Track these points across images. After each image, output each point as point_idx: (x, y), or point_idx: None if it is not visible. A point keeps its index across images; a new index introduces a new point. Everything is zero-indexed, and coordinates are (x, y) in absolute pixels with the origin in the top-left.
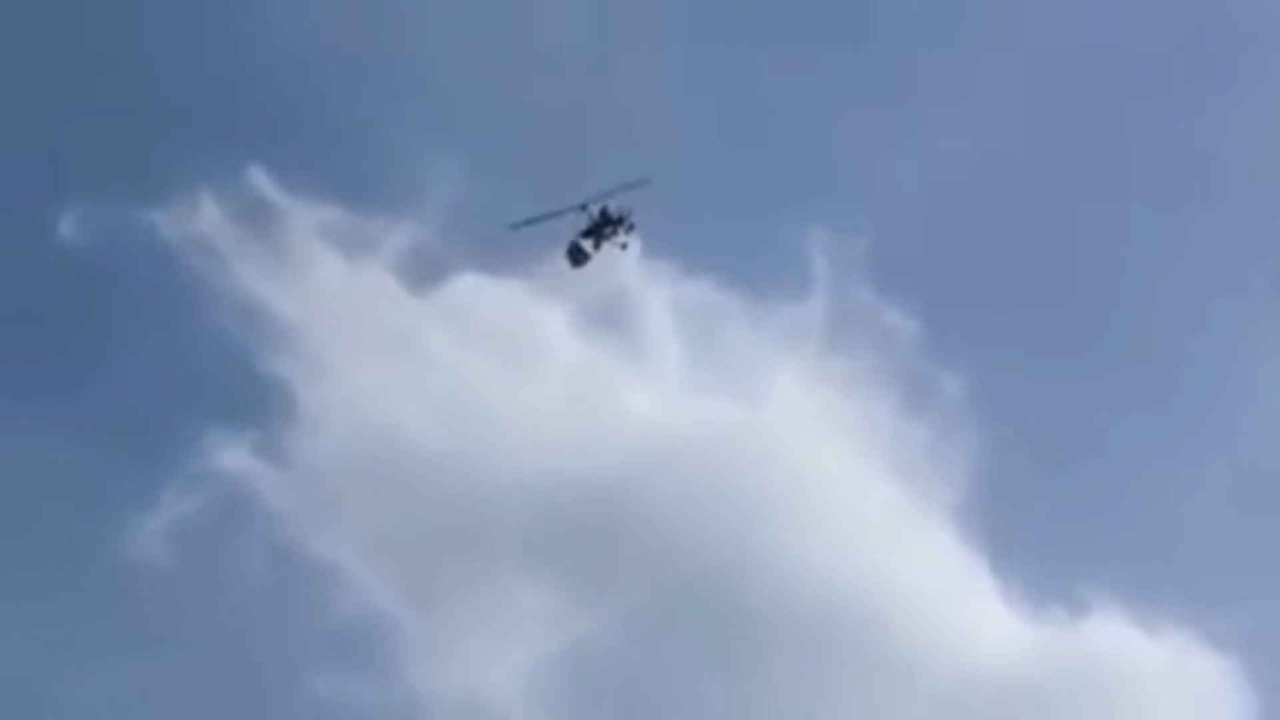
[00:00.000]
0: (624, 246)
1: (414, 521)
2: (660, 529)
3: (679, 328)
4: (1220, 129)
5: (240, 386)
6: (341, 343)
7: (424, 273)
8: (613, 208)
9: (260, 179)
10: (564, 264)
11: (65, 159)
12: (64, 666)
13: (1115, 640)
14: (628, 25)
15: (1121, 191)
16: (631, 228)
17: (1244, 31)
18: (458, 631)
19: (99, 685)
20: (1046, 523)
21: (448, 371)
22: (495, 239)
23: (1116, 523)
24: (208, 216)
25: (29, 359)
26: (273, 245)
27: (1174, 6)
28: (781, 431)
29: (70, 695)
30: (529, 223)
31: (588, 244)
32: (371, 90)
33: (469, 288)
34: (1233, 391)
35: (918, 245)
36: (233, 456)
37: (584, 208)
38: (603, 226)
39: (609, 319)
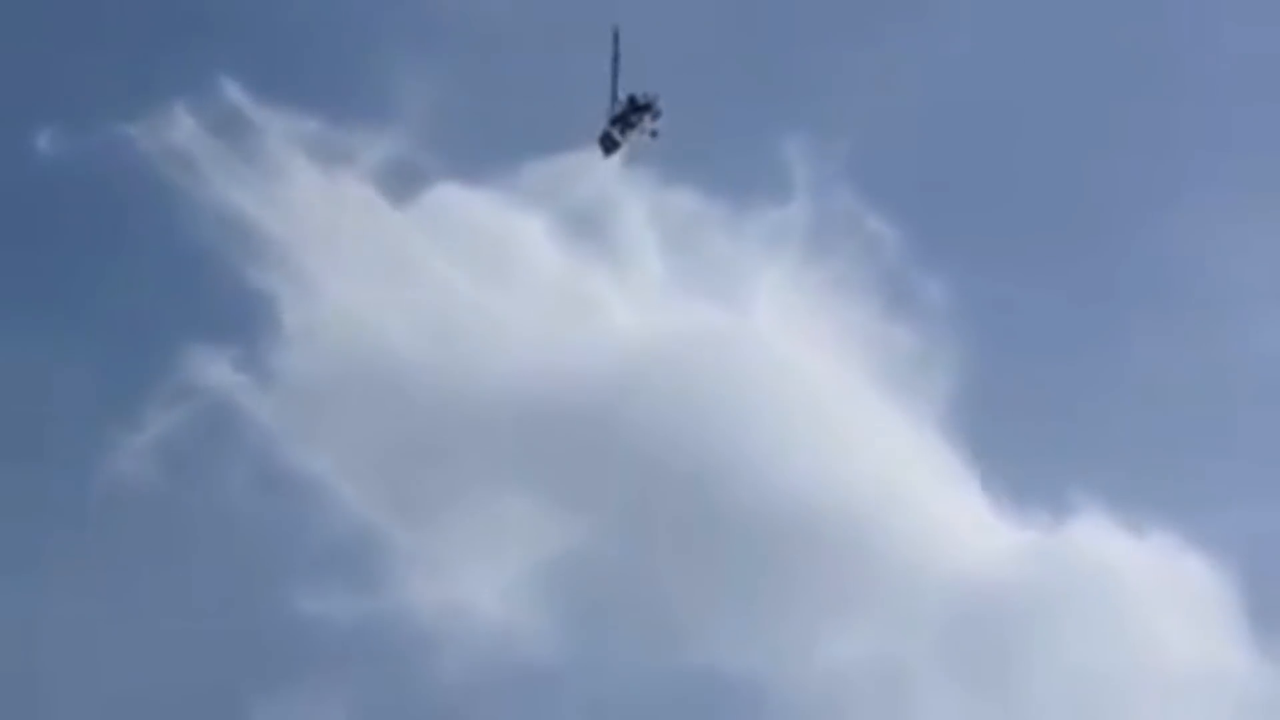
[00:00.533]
0: (654, 134)
1: (398, 435)
2: (645, 437)
3: (660, 236)
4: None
5: (221, 299)
6: (323, 255)
7: (404, 183)
8: (639, 94)
9: (234, 91)
10: (542, 171)
11: (37, 76)
12: (45, 585)
13: (1101, 542)
14: None
15: (1112, 92)
16: (658, 114)
17: None
18: (445, 543)
19: (81, 605)
20: (1033, 425)
21: (430, 283)
22: (474, 148)
23: (1104, 424)
24: (183, 129)
25: (7, 274)
26: (250, 157)
27: None
28: (765, 338)
29: (52, 615)
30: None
31: (616, 131)
32: None
33: (449, 198)
34: (1221, 290)
35: (901, 149)
36: (216, 371)
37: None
38: (630, 113)
39: (590, 228)
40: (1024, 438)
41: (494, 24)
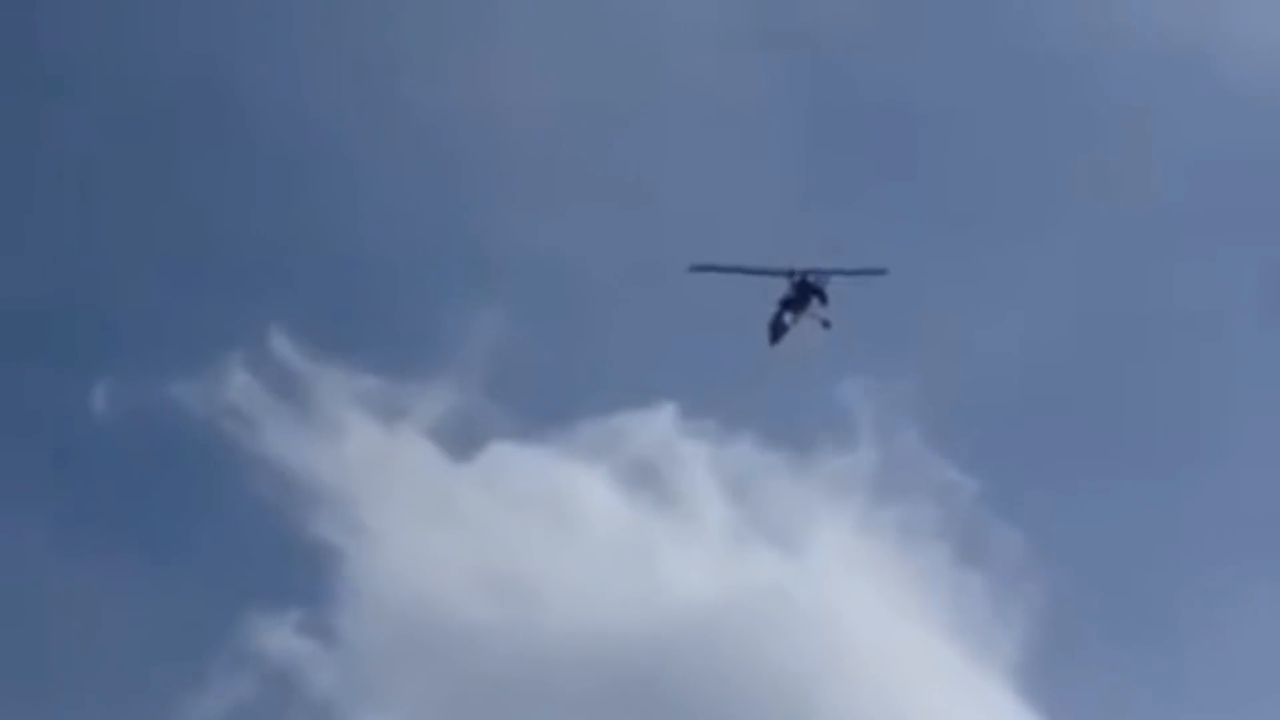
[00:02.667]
0: (826, 324)
1: (459, 698)
2: (709, 697)
3: (721, 486)
4: None
5: (282, 559)
6: (382, 512)
7: (462, 437)
8: (811, 275)
9: (288, 346)
10: (602, 425)
11: (91, 332)
12: None
13: None
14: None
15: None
16: (825, 300)
17: None
18: None
19: None
20: (1110, 683)
21: (490, 539)
22: (535, 401)
23: (1185, 687)
24: (237, 385)
25: (65, 537)
26: (306, 413)
27: None
28: (828, 590)
29: None
30: (712, 268)
31: (788, 316)
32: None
33: (509, 451)
34: None
35: (968, 391)
36: (278, 635)
37: (790, 274)
38: (805, 297)
39: (649, 480)
40: (1102, 695)
41: (556, 270)
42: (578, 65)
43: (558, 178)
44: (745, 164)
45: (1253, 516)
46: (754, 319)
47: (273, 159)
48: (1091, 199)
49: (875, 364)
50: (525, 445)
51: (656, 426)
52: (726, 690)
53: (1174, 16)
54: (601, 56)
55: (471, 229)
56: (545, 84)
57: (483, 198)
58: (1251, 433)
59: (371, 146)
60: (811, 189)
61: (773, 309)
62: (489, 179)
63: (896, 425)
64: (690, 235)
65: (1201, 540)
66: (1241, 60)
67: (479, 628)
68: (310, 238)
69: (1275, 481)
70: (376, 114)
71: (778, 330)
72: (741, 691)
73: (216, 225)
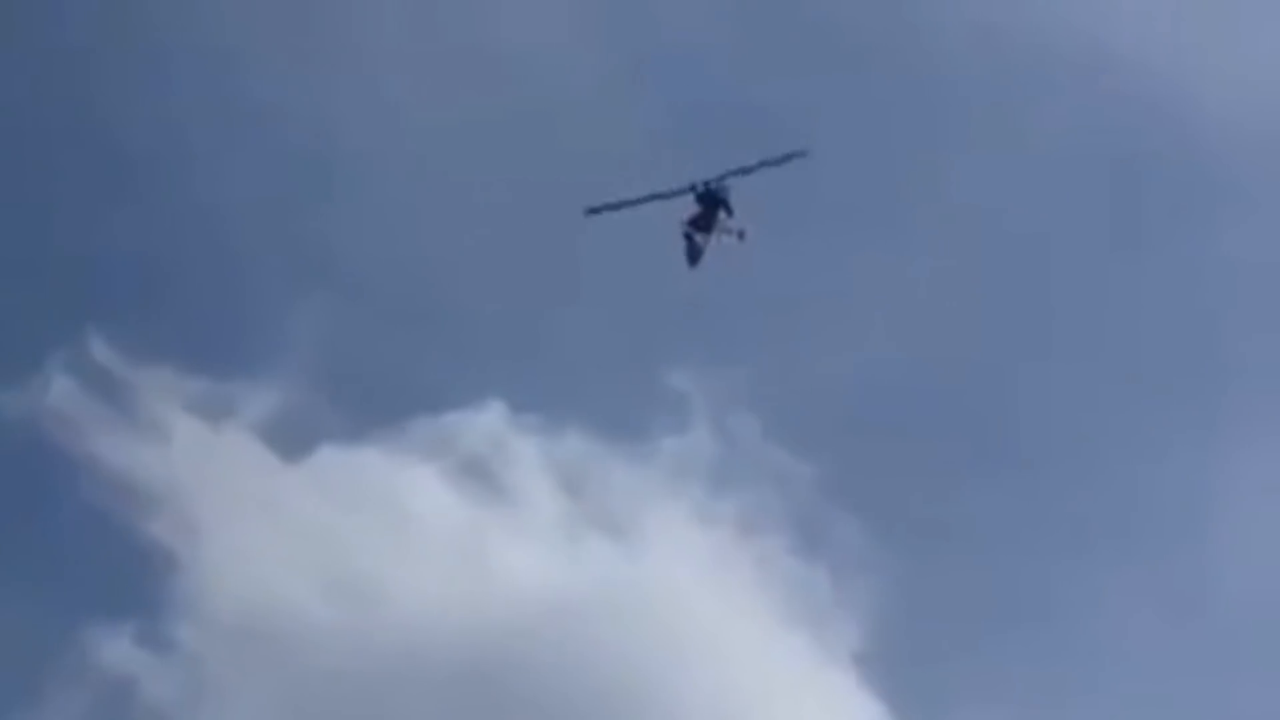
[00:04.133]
0: (741, 235)
1: (298, 697)
2: (548, 691)
3: (554, 479)
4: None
5: (115, 566)
6: (214, 514)
7: (291, 437)
8: (715, 184)
9: (107, 349)
10: (432, 423)
11: None
12: None
13: None
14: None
15: (1032, 328)
16: (731, 211)
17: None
18: None
19: None
20: (952, 672)
21: (325, 539)
22: (363, 399)
23: (1023, 672)
24: (59, 391)
25: None
26: (131, 416)
27: None
28: (666, 580)
29: None
30: (608, 208)
31: (699, 237)
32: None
33: (339, 451)
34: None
35: (804, 378)
36: (115, 644)
37: (692, 188)
38: (711, 211)
39: (482, 476)
40: (941, 684)
41: (381, 268)
42: (416, 65)
43: (386, 175)
44: (588, 166)
45: (1096, 507)
46: (581, 316)
47: (88, 157)
48: (932, 201)
49: (708, 351)
50: (356, 445)
51: (486, 423)
52: (565, 683)
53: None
54: (442, 56)
55: (296, 226)
56: (380, 82)
57: (307, 193)
58: (1095, 424)
59: (196, 139)
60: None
61: (680, 234)
62: (311, 173)
63: (732, 413)
64: (516, 234)
65: (1042, 527)
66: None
67: (317, 629)
68: (129, 237)
69: (1119, 472)
70: (201, 107)
71: (693, 253)
72: (580, 684)
73: (30, 227)
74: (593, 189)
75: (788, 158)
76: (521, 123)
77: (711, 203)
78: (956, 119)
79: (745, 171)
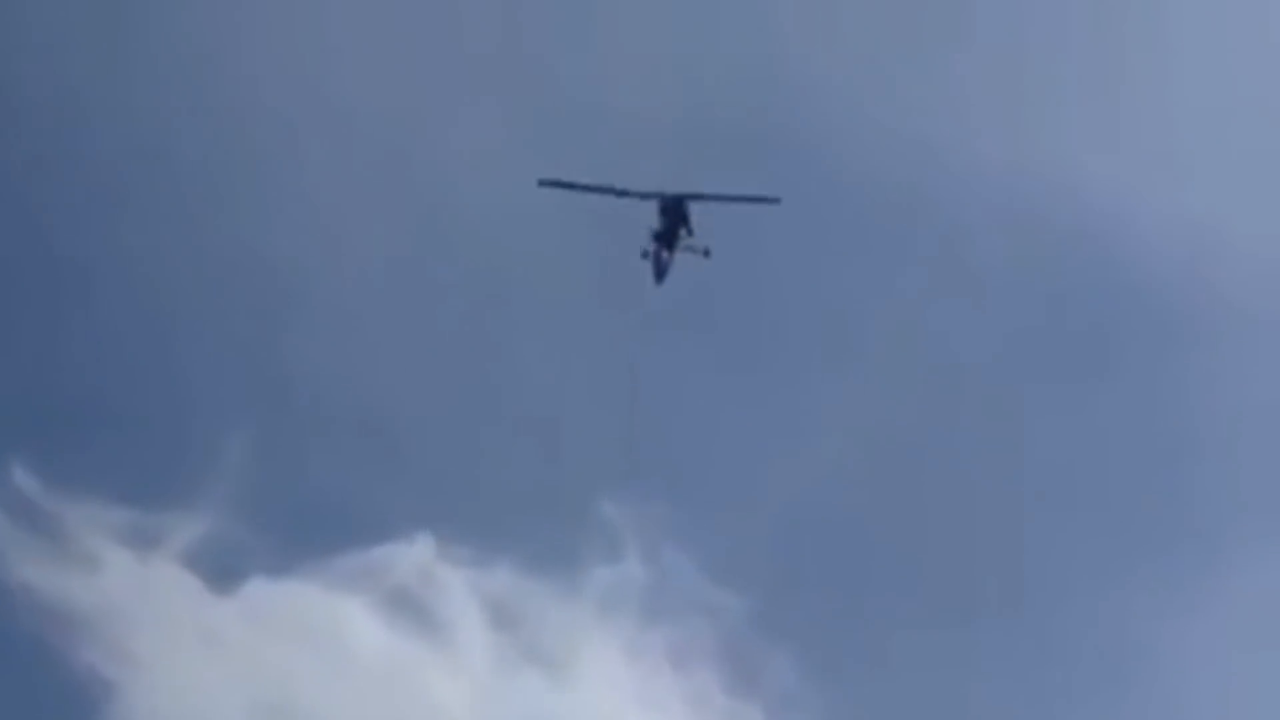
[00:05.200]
0: (706, 254)
1: None
2: None
3: (484, 612)
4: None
5: (48, 695)
6: (146, 645)
7: (221, 567)
8: (672, 196)
9: (31, 480)
10: (361, 556)
11: None
12: None
13: None
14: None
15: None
16: (691, 230)
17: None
18: None
19: None
20: None
21: (256, 670)
22: (292, 530)
23: None
24: None
25: None
26: (59, 546)
27: None
28: (599, 714)
29: None
30: (560, 184)
31: (665, 253)
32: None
33: (269, 582)
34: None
35: (735, 509)
36: None
37: (659, 197)
38: (674, 226)
39: (411, 609)
40: None
41: (312, 394)
42: (353, 192)
43: (318, 303)
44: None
45: (1041, 645)
46: (513, 446)
47: (13, 278)
48: (875, 336)
49: (641, 482)
50: (286, 576)
51: (416, 554)
52: None
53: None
54: (381, 183)
55: (225, 353)
56: (318, 210)
57: (236, 320)
58: (1038, 559)
59: (129, 262)
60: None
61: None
62: (242, 300)
63: (664, 545)
64: (448, 364)
65: (982, 666)
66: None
67: None
68: (52, 365)
69: (1062, 608)
70: (133, 224)
71: (660, 268)
72: None
73: None
74: (525, 313)
75: (761, 199)
76: (458, 250)
77: (676, 216)
78: (901, 249)
79: (716, 198)
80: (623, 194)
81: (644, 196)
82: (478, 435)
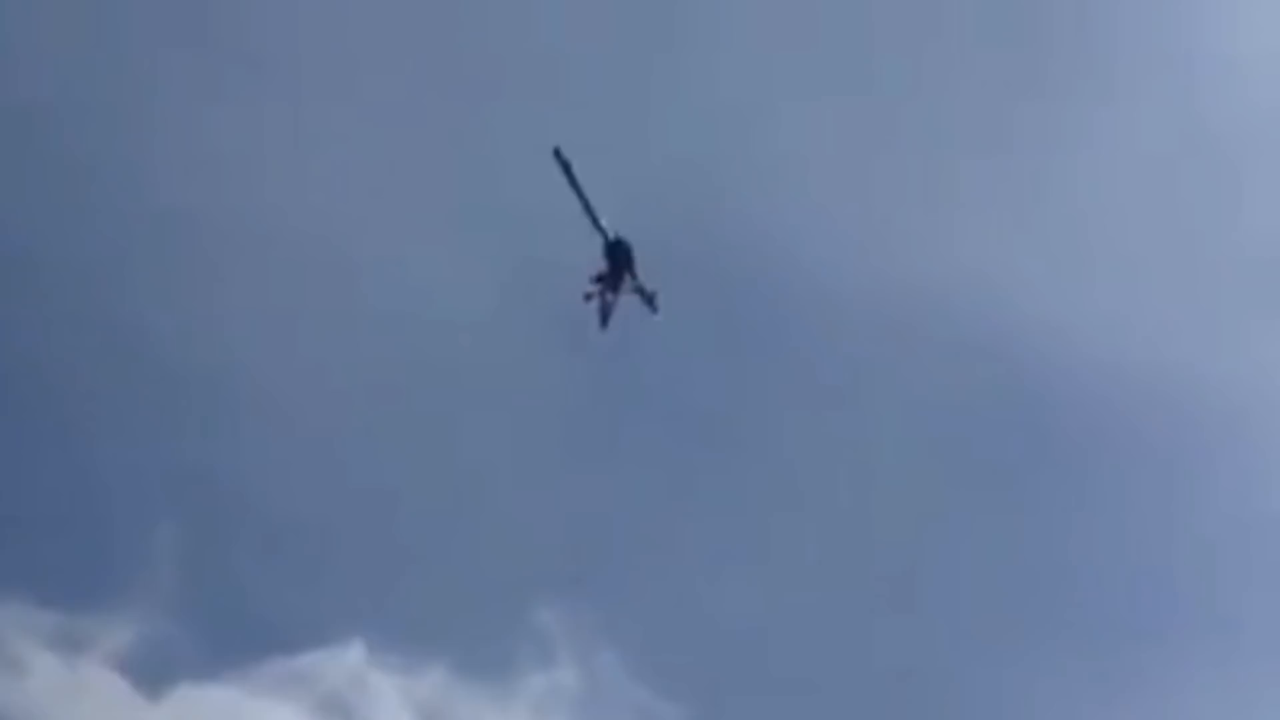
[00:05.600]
0: (652, 300)
1: None
2: None
3: (416, 717)
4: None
5: None
6: None
7: (150, 672)
8: (614, 234)
9: None
10: (291, 662)
11: None
12: None
13: None
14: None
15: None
16: (635, 274)
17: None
18: None
19: None
20: None
21: None
22: (222, 636)
23: None
24: None
25: None
26: None
27: None
28: None
29: None
30: (566, 166)
31: (609, 295)
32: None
33: (198, 688)
34: None
35: (669, 614)
36: None
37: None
38: (617, 269)
39: (341, 716)
40: None
41: (244, 495)
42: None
43: (249, 401)
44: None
45: None
46: (446, 550)
47: None
48: (807, 451)
49: (575, 586)
50: (216, 681)
51: (346, 661)
52: None
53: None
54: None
55: (154, 452)
56: (251, 309)
57: (164, 418)
58: (968, 677)
59: (58, 358)
60: None
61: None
62: (170, 398)
63: (598, 650)
64: (382, 465)
65: None
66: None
67: None
68: None
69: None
70: (63, 322)
71: (604, 313)
72: None
73: None
74: (458, 415)
75: (650, 303)
76: (391, 351)
77: (621, 257)
78: (831, 370)
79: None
80: (587, 208)
81: (596, 225)
82: (411, 539)
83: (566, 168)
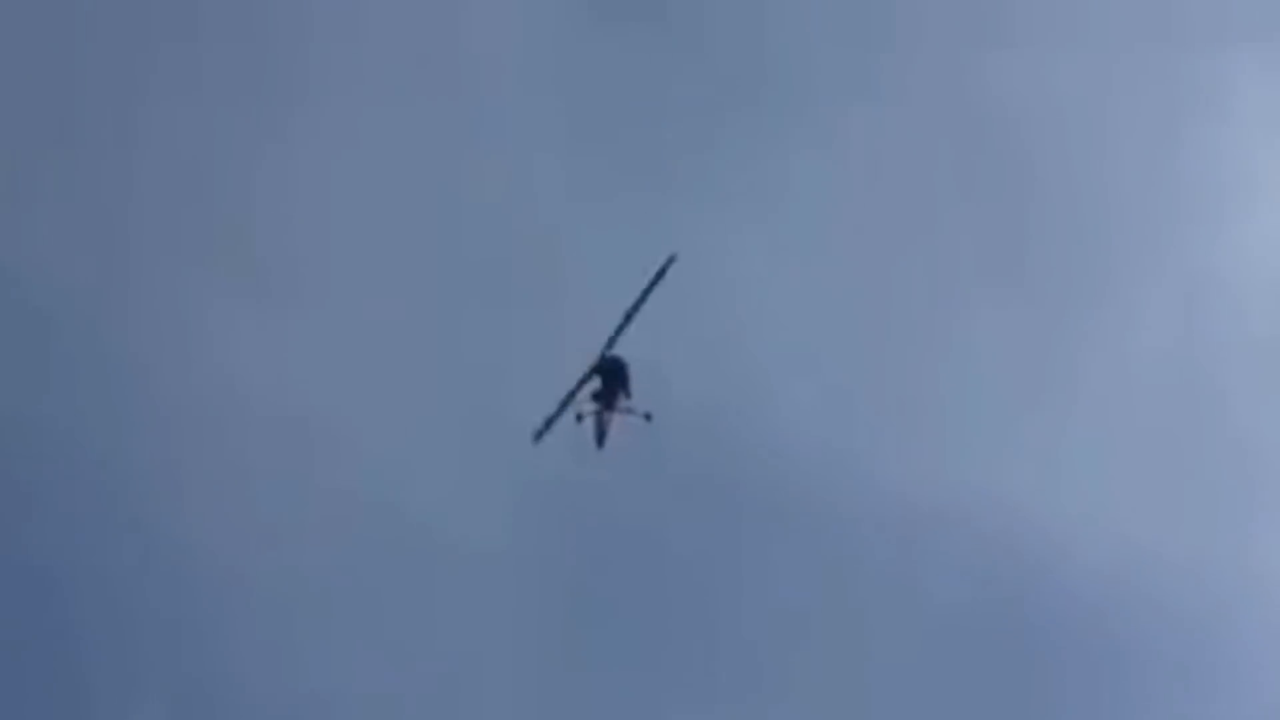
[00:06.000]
0: (648, 418)
1: None
2: None
3: None
4: None
5: None
6: None
7: None
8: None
9: None
10: None
11: None
12: None
13: None
14: None
15: None
16: (629, 393)
17: None
18: None
19: None
20: None
21: None
22: None
23: None
24: None
25: None
26: None
27: None
28: None
29: None
30: (548, 426)
31: (605, 414)
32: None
33: None
34: None
35: None
36: None
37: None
38: (611, 387)
39: None
40: None
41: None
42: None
43: (233, 598)
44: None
45: None
46: None
47: None
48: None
49: None
50: None
51: None
52: None
53: None
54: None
55: (132, 641)
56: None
57: (141, 609)
58: None
59: (47, 548)
60: None
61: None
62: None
63: None
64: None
65: None
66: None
67: None
68: None
69: None
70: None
71: (600, 431)
72: None
73: None
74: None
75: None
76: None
77: (613, 375)
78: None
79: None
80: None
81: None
82: None
83: (661, 275)
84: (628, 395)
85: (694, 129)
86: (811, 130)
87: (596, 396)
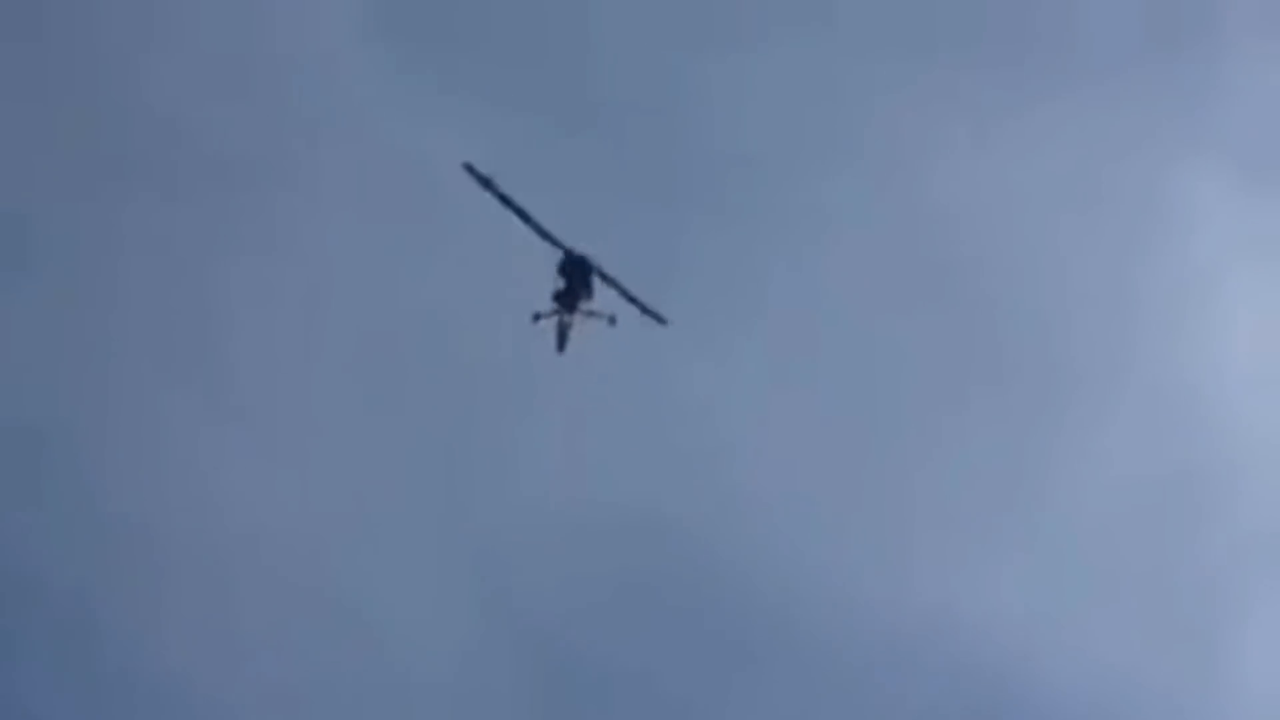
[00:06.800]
0: (612, 321)
1: None
2: None
3: None
4: None
5: None
6: None
7: None
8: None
9: None
10: None
11: None
12: None
13: None
14: None
15: None
16: (591, 293)
17: None
18: None
19: None
20: None
21: None
22: None
23: None
24: None
25: None
26: None
27: None
28: None
29: None
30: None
31: (565, 316)
32: None
33: None
34: None
35: None
36: None
37: (561, 248)
38: (577, 286)
39: None
40: None
41: None
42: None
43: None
44: None
45: None
46: None
47: None
48: None
49: None
50: None
51: None
52: None
53: None
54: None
55: None
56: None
57: None
58: None
59: None
60: None
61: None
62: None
63: None
64: None
65: None
66: None
67: None
68: None
69: None
70: None
71: (562, 334)
72: None
73: None
74: None
75: (655, 316)
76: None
77: (576, 274)
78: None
79: (614, 284)
80: (527, 221)
81: (544, 236)
82: None
83: (486, 183)
84: (589, 296)
85: (661, 248)
86: (781, 249)
87: (557, 297)
